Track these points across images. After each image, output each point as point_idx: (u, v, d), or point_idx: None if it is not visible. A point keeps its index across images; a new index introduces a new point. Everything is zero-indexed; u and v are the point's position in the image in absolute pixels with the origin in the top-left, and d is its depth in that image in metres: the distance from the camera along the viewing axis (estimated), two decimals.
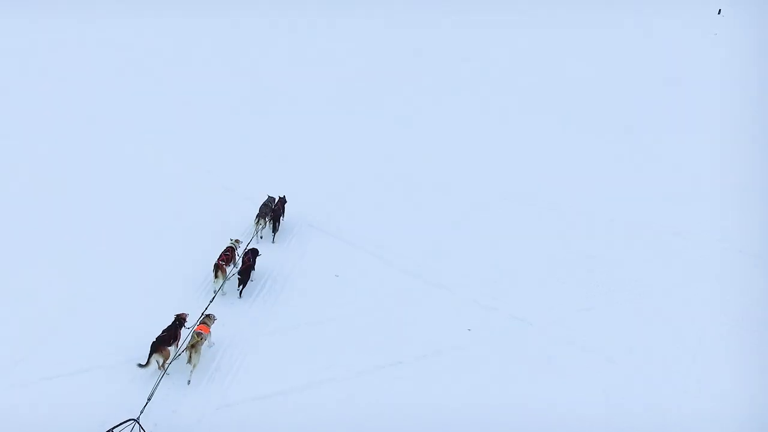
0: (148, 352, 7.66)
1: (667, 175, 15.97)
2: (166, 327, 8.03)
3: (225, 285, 9.57)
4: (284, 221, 11.88)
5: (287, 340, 8.66)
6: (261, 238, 11.40)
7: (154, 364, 7.69)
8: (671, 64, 31.60)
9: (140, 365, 7.67)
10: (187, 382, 7.77)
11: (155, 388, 7.38)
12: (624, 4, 58.66)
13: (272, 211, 11.56)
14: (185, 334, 8.08)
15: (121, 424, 6.74)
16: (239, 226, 10.91)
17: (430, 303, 9.82)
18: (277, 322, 9.07)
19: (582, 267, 11.06)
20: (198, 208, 12.73)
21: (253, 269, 9.84)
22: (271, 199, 11.92)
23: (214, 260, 9.61)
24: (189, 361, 7.79)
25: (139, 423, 6.79)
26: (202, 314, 8.41)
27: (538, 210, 13.50)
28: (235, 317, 9.03)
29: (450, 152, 17.11)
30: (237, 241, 10.42)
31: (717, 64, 31.54)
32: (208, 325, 8.19)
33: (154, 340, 7.78)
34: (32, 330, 8.52)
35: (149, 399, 7.23)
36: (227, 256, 9.80)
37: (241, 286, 9.57)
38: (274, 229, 11.54)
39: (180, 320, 8.19)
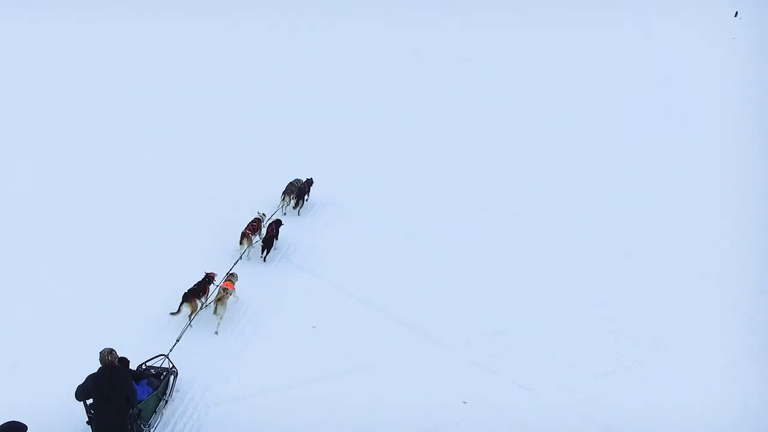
0: (180, 302, 8.49)
1: (668, 179, 15.78)
2: (196, 282, 8.90)
3: (250, 251, 10.67)
4: (308, 200, 13.15)
5: (303, 300, 9.67)
6: (285, 213, 12.44)
7: (183, 313, 8.56)
8: (672, 65, 31.59)
9: (172, 313, 8.57)
10: (214, 332, 8.54)
11: (183, 332, 8.23)
12: (625, 4, 58.70)
13: (297, 189, 12.77)
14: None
15: (153, 358, 7.52)
16: (239, 226, 10.88)
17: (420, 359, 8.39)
18: (295, 285, 10.05)
19: (596, 318, 9.42)
20: (198, 208, 12.71)
21: (276, 239, 10.90)
22: (297, 180, 13.10)
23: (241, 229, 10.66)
24: (215, 312, 8.61)
25: (168, 358, 7.55)
26: (228, 273, 9.40)
27: (545, 239, 12.02)
28: (257, 280, 9.95)
29: (450, 154, 17.03)
30: (263, 214, 11.53)
31: (733, 67, 31.27)
32: (233, 282, 9.16)
33: (186, 291, 8.60)
34: (32, 329, 8.51)
35: (177, 340, 8.02)
36: (254, 226, 10.87)
37: (265, 252, 10.71)
38: (296, 206, 12.74)
39: (209, 277, 9.17)
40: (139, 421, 6.48)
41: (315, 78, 26.56)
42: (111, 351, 6.15)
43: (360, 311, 9.43)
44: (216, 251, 10.43)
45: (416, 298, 9.86)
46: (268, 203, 12.61)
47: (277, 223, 11.18)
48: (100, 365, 6.13)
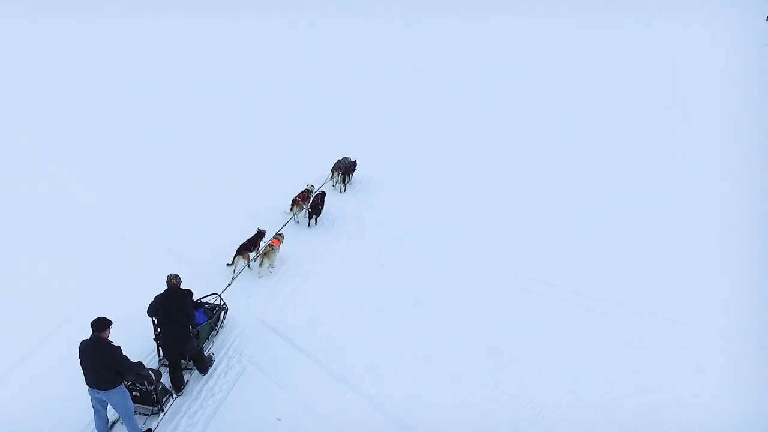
0: (234, 254, 9.87)
1: (668, 180, 15.48)
2: (249, 237, 10.20)
3: (298, 217, 12.07)
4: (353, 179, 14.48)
5: (338, 260, 10.90)
6: (333, 186, 13.89)
7: (238, 265, 9.95)
8: (675, 67, 31.61)
9: (228, 264, 9.95)
10: (258, 277, 10.05)
11: (234, 278, 9.80)
12: (627, 5, 58.81)
13: (345, 166, 13.92)
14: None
15: (208, 295, 8.76)
16: (239, 228, 10.97)
17: None
18: (334, 248, 11.30)
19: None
20: (196, 210, 12.67)
21: (322, 208, 12.15)
22: (346, 158, 14.30)
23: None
24: (261, 264, 9.99)
25: (220, 296, 8.83)
26: (276, 233, 10.82)
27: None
28: (301, 241, 11.34)
29: (451, 156, 16.96)
30: (312, 185, 12.72)
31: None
32: (279, 241, 10.40)
33: (239, 246, 9.94)
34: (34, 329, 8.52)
35: (229, 284, 9.52)
36: (303, 195, 12.13)
37: (311, 219, 11.95)
38: (343, 182, 13.92)
39: (260, 233, 10.44)
40: (196, 342, 7.64)
41: (315, 80, 26.56)
42: (176, 276, 7.31)
43: (382, 266, 10.71)
44: (268, 216, 11.92)
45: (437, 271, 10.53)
46: (318, 179, 13.95)
47: (323, 194, 12.47)
48: (167, 287, 7.25)
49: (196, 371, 7.74)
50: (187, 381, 7.56)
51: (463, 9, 56.48)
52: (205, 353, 7.82)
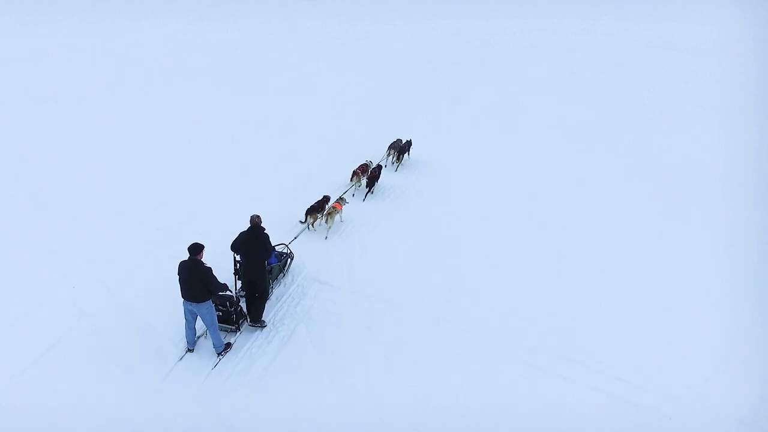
0: (305, 214, 11.59)
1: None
2: (317, 201, 11.87)
3: (357, 187, 13.70)
4: (408, 159, 15.90)
5: (389, 225, 12.37)
6: (386, 166, 15.27)
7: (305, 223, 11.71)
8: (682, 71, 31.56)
9: (301, 221, 11.75)
10: (324, 237, 11.55)
11: (301, 232, 11.65)
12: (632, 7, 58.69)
13: (399, 147, 15.26)
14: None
15: (279, 244, 10.19)
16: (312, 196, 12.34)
17: None
18: (387, 216, 12.77)
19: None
20: (204, 211, 12.84)
21: (377, 180, 13.63)
22: (399, 139, 15.72)
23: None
24: (326, 222, 11.58)
25: (288, 246, 10.43)
26: (339, 198, 12.29)
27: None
28: (359, 208, 12.96)
29: (454, 158, 17.05)
30: (370, 161, 14.25)
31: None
32: (341, 204, 12.04)
33: (308, 207, 11.59)
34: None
35: (295, 237, 11.39)
36: (362, 168, 13.68)
37: (368, 189, 13.46)
38: (398, 160, 15.24)
39: (325, 198, 12.04)
40: (268, 277, 9.02)
41: (317, 80, 26.61)
42: (258, 216, 8.62)
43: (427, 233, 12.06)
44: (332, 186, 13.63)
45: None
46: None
47: (379, 168, 14.03)
48: (250, 225, 8.50)
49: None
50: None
51: (462, 10, 56.48)
52: (270, 294, 9.32)
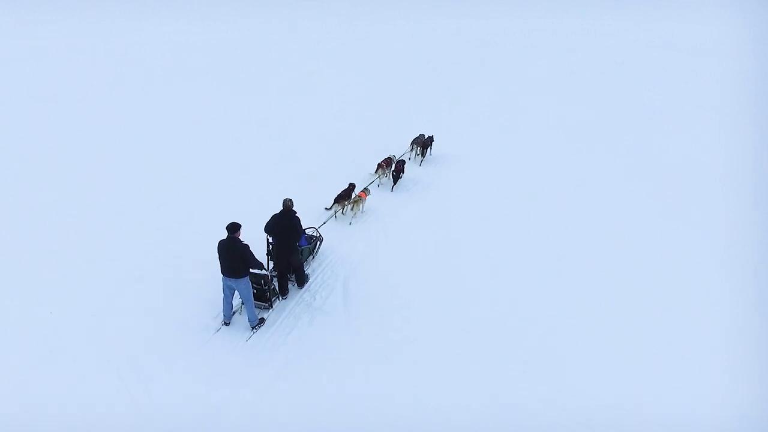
0: (332, 202, 12.23)
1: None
2: (343, 189, 12.43)
3: (381, 179, 14.33)
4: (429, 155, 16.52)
5: (413, 214, 12.97)
6: (409, 158, 16.02)
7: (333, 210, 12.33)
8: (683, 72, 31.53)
9: (326, 208, 12.38)
10: (348, 223, 12.25)
11: (329, 218, 12.26)
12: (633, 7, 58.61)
13: (422, 142, 15.98)
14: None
15: (309, 228, 10.73)
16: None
17: None
18: (410, 205, 13.43)
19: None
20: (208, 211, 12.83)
21: (402, 174, 14.25)
22: (422, 134, 16.36)
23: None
24: (352, 209, 12.31)
25: (317, 230, 10.98)
26: (364, 188, 12.97)
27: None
28: (383, 198, 13.69)
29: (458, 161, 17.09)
30: (393, 155, 14.90)
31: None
32: (366, 194, 12.71)
33: (337, 195, 12.22)
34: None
35: (324, 223, 11.96)
36: (386, 161, 14.30)
37: (393, 182, 14.17)
38: (422, 154, 16.04)
39: (351, 186, 12.60)
40: (300, 257, 9.63)
41: (318, 81, 26.60)
42: (290, 199, 9.23)
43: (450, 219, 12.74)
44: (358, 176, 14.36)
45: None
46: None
47: (403, 162, 14.54)
48: (282, 208, 9.12)
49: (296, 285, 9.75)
50: (288, 290, 9.59)
51: (461, 10, 56.47)
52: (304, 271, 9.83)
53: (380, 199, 13.52)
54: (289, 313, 9.17)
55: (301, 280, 9.68)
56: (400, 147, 16.76)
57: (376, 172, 14.19)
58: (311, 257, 10.63)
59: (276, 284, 9.31)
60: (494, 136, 18.74)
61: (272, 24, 44.85)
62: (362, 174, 14.71)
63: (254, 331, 8.62)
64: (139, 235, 11.48)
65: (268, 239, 9.33)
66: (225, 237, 8.15)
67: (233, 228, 8.09)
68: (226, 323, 8.69)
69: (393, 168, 14.29)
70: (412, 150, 16.07)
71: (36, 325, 8.69)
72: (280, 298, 9.42)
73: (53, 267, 10.25)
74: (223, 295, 8.53)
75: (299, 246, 9.59)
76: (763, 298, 10.11)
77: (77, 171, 14.80)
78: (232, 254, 8.05)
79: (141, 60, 29.70)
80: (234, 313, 8.88)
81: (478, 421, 7.27)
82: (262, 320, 8.81)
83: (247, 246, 8.11)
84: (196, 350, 8.23)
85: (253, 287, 8.69)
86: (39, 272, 10.08)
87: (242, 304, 8.81)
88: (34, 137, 17.50)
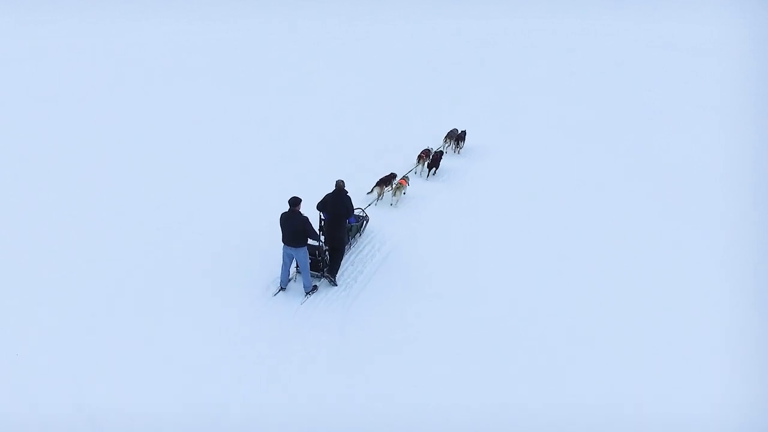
0: (374, 185, 13.13)
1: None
2: (385, 175, 13.47)
3: (421, 170, 15.19)
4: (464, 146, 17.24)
5: (448, 203, 13.70)
6: (445, 152, 16.76)
7: (374, 194, 13.21)
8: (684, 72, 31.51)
9: (368, 193, 13.26)
10: (390, 204, 13.21)
11: (373, 201, 13.15)
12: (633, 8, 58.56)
13: (456, 135, 16.93)
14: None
15: (356, 209, 11.56)
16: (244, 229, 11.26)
17: None
18: (446, 194, 14.17)
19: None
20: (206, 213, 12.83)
21: (438, 165, 15.17)
22: (455, 129, 17.20)
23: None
24: (393, 194, 13.18)
25: (364, 210, 12.12)
26: (404, 176, 13.83)
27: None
28: (422, 186, 14.51)
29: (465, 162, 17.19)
30: (431, 147, 15.80)
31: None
32: (406, 181, 13.47)
33: (378, 180, 13.21)
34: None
35: (369, 204, 12.98)
36: (425, 152, 15.21)
37: (430, 170, 15.14)
38: (457, 147, 17.03)
39: (392, 175, 13.47)
40: (348, 235, 10.69)
41: (318, 82, 26.60)
42: (342, 180, 10.12)
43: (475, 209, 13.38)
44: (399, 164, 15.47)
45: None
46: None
47: (440, 154, 15.36)
48: (335, 188, 10.02)
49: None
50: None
51: (460, 11, 56.48)
52: (348, 250, 10.82)
53: (418, 186, 14.47)
54: (338, 281, 10.02)
55: (337, 264, 9.99)
56: (399, 147, 16.88)
57: (418, 161, 15.17)
58: (358, 235, 11.57)
59: (328, 257, 10.03)
60: (494, 136, 18.75)
61: (272, 24, 44.85)
62: (363, 173, 14.54)
63: (308, 296, 9.48)
64: (139, 235, 11.46)
65: (320, 216, 10.16)
66: (287, 210, 8.96)
67: (294, 202, 8.93)
68: (283, 289, 9.58)
69: (432, 158, 15.15)
70: (447, 144, 16.95)
71: (36, 325, 8.68)
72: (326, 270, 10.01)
73: (53, 267, 10.24)
74: (282, 262, 9.41)
75: (349, 223, 10.52)
76: (763, 298, 10.11)
77: (77, 171, 14.79)
78: (293, 225, 8.87)
79: (141, 60, 29.69)
80: (290, 280, 9.79)
81: (478, 421, 7.27)
82: (315, 287, 9.65)
83: (307, 218, 8.94)
84: (197, 346, 8.24)
85: (309, 257, 9.42)
86: (39, 272, 10.07)
87: (297, 271, 9.91)
88: (34, 137, 17.49)
